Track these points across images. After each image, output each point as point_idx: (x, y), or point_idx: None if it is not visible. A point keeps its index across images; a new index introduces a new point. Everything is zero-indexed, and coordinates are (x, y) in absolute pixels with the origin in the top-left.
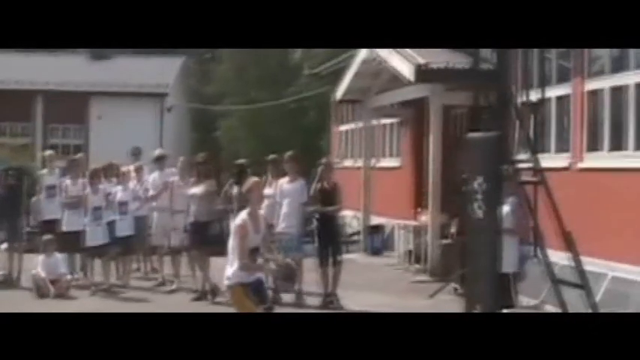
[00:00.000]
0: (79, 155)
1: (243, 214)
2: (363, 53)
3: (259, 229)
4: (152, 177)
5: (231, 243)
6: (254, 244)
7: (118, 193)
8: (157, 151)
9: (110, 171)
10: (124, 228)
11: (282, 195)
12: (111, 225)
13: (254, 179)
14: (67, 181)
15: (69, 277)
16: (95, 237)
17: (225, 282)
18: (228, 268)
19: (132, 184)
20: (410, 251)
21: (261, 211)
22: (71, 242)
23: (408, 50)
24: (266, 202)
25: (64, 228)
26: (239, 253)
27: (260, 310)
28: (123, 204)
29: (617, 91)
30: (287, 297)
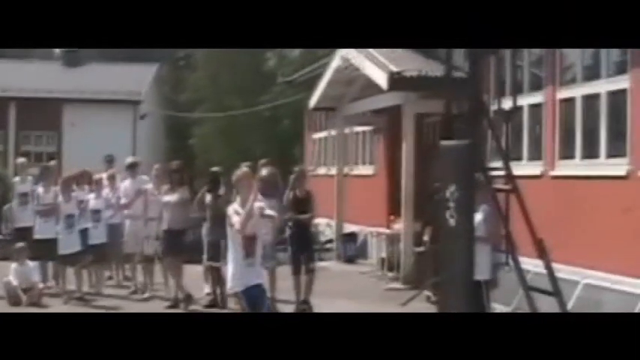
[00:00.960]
0: (52, 162)
1: (234, 205)
2: (336, 61)
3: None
4: (124, 185)
5: (229, 244)
6: (250, 232)
7: (91, 200)
8: (129, 159)
9: (83, 178)
10: (97, 236)
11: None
12: (84, 233)
13: (244, 169)
14: (40, 189)
15: (41, 285)
16: (68, 245)
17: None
18: (228, 271)
19: (105, 191)
20: (383, 259)
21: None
22: (44, 250)
23: (382, 58)
24: None
25: (37, 236)
26: (236, 231)
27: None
28: (96, 212)
29: (590, 100)
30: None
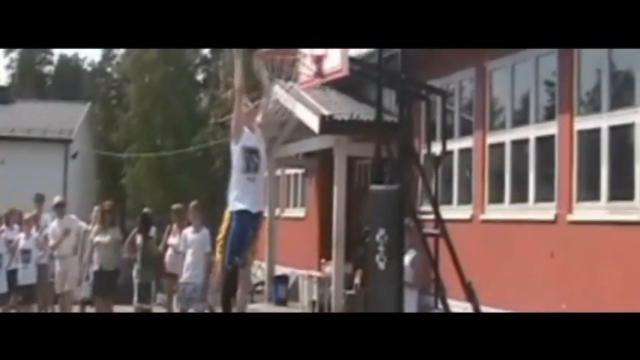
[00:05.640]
0: None
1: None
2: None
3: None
4: (52, 225)
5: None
6: (252, 145)
7: (21, 240)
8: (56, 199)
9: (12, 218)
10: (27, 276)
11: (186, 245)
12: (12, 274)
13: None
14: None
15: None
16: None
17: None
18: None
19: (34, 231)
20: (314, 301)
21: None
22: None
23: (313, 101)
24: (170, 252)
25: None
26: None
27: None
28: (26, 252)
29: (519, 145)
30: None
